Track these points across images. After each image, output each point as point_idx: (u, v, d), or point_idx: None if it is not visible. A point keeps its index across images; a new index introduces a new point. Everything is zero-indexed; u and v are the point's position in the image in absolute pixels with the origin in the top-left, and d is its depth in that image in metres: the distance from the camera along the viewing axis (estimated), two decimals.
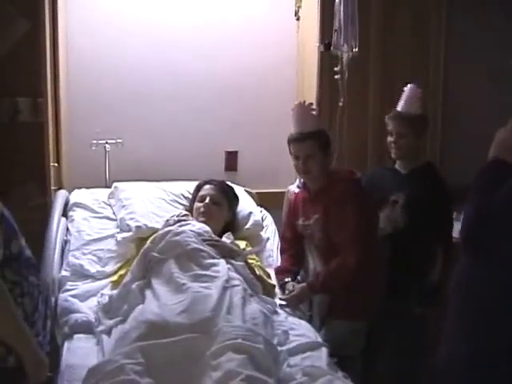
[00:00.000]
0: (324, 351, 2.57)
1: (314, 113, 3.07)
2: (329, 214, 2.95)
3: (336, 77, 3.40)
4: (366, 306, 2.97)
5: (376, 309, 3.00)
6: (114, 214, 3.36)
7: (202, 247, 2.88)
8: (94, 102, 3.76)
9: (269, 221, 3.55)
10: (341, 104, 3.43)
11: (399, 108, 3.21)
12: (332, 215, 2.95)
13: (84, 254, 3.11)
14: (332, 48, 3.37)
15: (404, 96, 3.19)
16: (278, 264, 3.26)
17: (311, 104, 3.10)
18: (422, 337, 3.15)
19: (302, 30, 3.86)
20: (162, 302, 2.57)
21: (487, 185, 2.34)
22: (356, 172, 3.06)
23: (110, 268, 3.08)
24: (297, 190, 3.33)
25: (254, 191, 3.68)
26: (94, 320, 2.71)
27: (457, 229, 3.60)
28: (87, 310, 2.78)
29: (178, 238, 2.90)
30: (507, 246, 2.21)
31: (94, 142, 3.67)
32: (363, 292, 2.93)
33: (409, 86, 3.20)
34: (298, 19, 3.87)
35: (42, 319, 2.06)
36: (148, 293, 2.69)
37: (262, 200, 3.66)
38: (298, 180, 3.55)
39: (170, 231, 2.95)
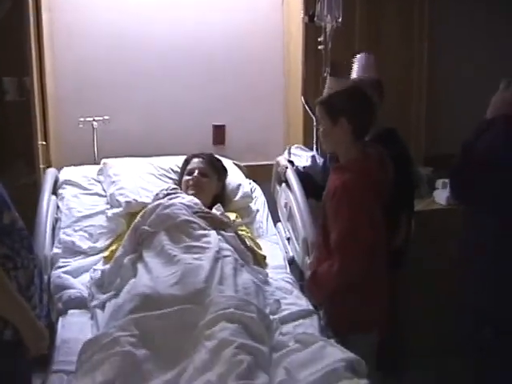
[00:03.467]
0: (315, 318, 2.60)
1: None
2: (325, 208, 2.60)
3: (320, 47, 3.41)
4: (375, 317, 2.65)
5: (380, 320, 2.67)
6: (103, 190, 3.37)
7: (192, 219, 2.89)
8: (80, 79, 3.73)
9: (258, 193, 3.56)
10: (325, 74, 3.42)
11: (355, 75, 3.19)
12: (327, 211, 2.58)
13: (75, 230, 3.11)
14: (316, 19, 3.37)
15: (358, 64, 3.17)
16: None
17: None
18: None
19: (288, 1, 3.84)
20: (154, 274, 2.59)
21: (477, 132, 2.55)
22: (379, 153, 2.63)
23: (101, 244, 3.09)
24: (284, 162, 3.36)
25: (242, 164, 3.68)
26: (87, 295, 2.72)
27: (443, 196, 3.68)
28: (80, 285, 2.79)
29: (168, 210, 2.91)
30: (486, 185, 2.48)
31: (82, 119, 3.64)
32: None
33: (361, 54, 3.18)
34: None
35: (37, 293, 2.06)
36: (140, 266, 2.70)
37: (251, 173, 3.66)
38: (286, 152, 3.56)
39: (159, 204, 2.96)
